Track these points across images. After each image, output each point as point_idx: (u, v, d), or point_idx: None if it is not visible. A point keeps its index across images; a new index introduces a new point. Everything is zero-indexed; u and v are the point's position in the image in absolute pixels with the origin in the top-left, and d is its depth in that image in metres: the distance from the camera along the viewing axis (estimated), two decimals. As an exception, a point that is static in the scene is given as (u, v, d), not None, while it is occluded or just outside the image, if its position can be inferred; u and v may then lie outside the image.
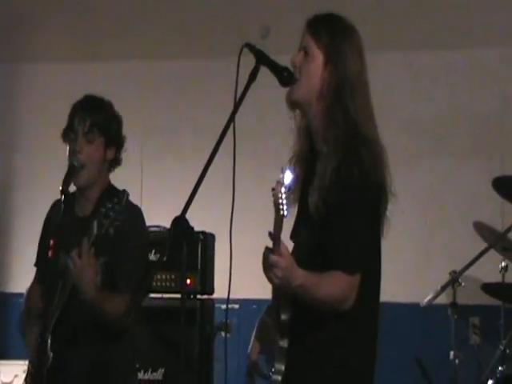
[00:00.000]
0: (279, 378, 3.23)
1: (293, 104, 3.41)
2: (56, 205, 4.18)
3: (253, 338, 3.53)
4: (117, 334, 3.99)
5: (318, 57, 3.36)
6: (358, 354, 3.30)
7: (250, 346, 3.52)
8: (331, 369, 3.25)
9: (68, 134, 4.08)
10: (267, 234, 3.05)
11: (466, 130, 6.72)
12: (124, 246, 3.90)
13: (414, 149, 6.58)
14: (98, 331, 3.94)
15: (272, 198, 3.03)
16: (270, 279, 3.09)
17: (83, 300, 3.80)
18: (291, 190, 3.07)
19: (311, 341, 3.26)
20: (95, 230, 3.70)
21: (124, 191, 3.73)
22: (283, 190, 2.97)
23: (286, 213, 2.98)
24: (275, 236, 3.04)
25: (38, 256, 4.30)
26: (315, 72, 3.36)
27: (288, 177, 3.01)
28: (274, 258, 3.03)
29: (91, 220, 3.77)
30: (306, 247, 3.23)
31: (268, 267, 3.05)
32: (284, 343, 3.23)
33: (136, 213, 4.04)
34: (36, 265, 4.30)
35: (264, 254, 3.10)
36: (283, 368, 3.23)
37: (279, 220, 3.03)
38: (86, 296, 3.78)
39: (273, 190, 3.02)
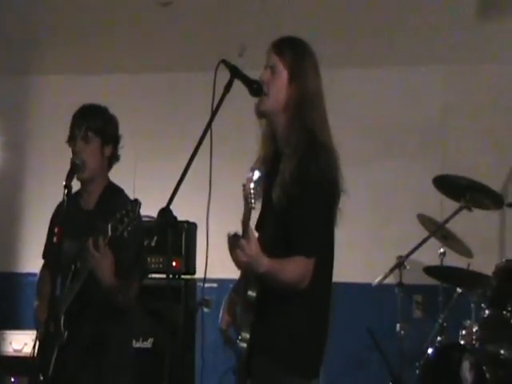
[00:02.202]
0: (245, 345, 3.25)
1: (261, 114, 3.44)
2: (61, 204, 4.15)
3: (222, 311, 3.54)
4: (121, 312, 4.04)
5: (284, 74, 3.38)
6: (313, 326, 3.33)
7: (219, 319, 3.53)
8: (289, 338, 3.28)
9: (70, 140, 4.13)
10: (238, 223, 3.09)
11: (411, 136, 6.73)
12: (131, 244, 3.92)
13: (368, 151, 6.60)
14: (107, 310, 3.96)
15: (243, 193, 3.09)
16: (236, 261, 3.14)
17: (101, 286, 3.84)
18: (258, 186, 3.10)
19: (273, 314, 3.28)
20: (110, 232, 3.71)
21: (137, 201, 3.72)
22: (252, 185, 3.05)
23: (253, 205, 3.07)
24: (244, 224, 3.10)
25: (45, 248, 4.31)
26: (281, 87, 3.39)
27: (256, 175, 3.06)
28: (243, 242, 3.07)
29: (100, 219, 3.81)
30: (270, 235, 3.25)
31: (235, 250, 3.09)
32: (250, 316, 3.25)
33: (141, 219, 4.00)
34: (44, 256, 4.31)
35: (229, 239, 3.14)
36: (248, 336, 3.24)
37: (248, 211, 3.10)
38: (104, 283, 3.82)
39: (243, 186, 3.06)
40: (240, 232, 3.14)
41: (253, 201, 3.06)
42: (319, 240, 3.27)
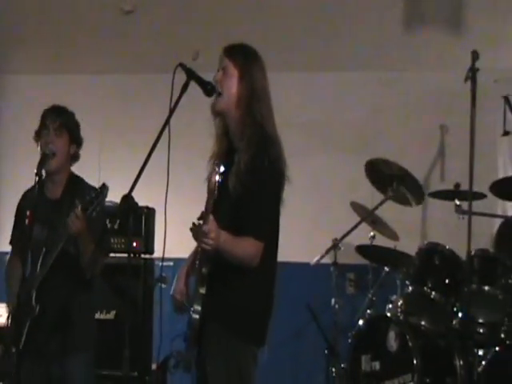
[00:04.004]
0: (197, 316, 3.24)
1: (217, 113, 3.43)
2: (26, 195, 4.19)
3: (175, 282, 3.51)
4: (87, 287, 4.03)
5: (234, 74, 3.39)
6: (260, 299, 3.34)
7: (172, 288, 3.50)
8: (239, 309, 3.29)
9: (40, 132, 4.09)
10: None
11: (346, 133, 6.75)
12: (99, 223, 3.95)
13: (307, 145, 6.60)
14: (74, 282, 3.94)
15: (207, 186, 3.15)
16: (203, 245, 3.14)
17: (80, 247, 3.87)
18: (222, 179, 3.16)
19: (224, 288, 3.28)
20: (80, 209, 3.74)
21: (104, 185, 3.75)
22: (217, 178, 3.08)
23: (215, 197, 3.15)
24: (207, 212, 3.11)
25: (12, 235, 4.26)
26: (232, 85, 3.39)
27: (222, 169, 3.15)
28: (207, 227, 3.09)
29: (72, 203, 3.81)
30: (226, 220, 3.24)
31: (200, 236, 3.10)
32: (202, 290, 3.24)
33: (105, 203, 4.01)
34: (11, 242, 4.25)
35: (193, 228, 3.13)
36: (200, 308, 3.23)
37: (211, 201, 3.14)
38: (85, 247, 3.86)
39: (209, 179, 3.10)
40: (198, 220, 3.15)
41: (215, 193, 3.10)
42: (268, 225, 3.31)
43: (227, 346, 3.26)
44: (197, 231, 3.13)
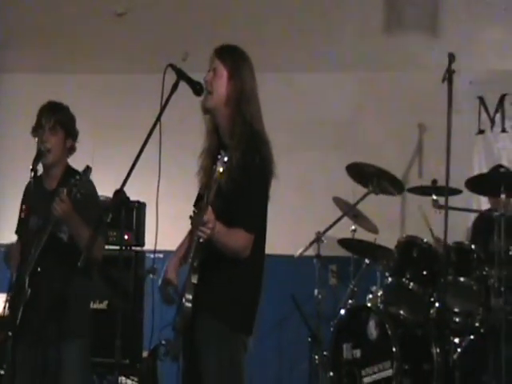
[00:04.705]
0: (189, 305, 3.22)
1: (206, 110, 3.42)
2: (27, 187, 4.18)
3: (164, 273, 3.47)
4: (80, 270, 3.96)
5: (224, 74, 3.38)
6: (249, 290, 3.35)
7: (160, 279, 3.47)
8: (229, 299, 3.29)
9: (37, 129, 4.10)
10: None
11: (328, 131, 6.74)
12: (89, 204, 3.89)
13: (291, 144, 6.59)
14: (66, 268, 3.91)
15: (210, 176, 3.15)
16: (200, 233, 3.12)
17: (70, 231, 3.85)
18: (226, 169, 3.12)
19: (215, 279, 3.28)
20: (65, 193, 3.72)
21: (88, 167, 3.75)
22: (221, 169, 3.07)
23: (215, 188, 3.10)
24: (207, 203, 3.11)
25: (18, 225, 4.25)
26: (222, 85, 3.39)
27: (226, 158, 3.09)
28: (206, 217, 3.09)
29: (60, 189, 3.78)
30: (217, 213, 3.22)
31: (199, 225, 3.10)
32: (194, 280, 3.23)
33: (93, 185, 4.05)
34: (16, 232, 4.25)
35: (193, 217, 3.17)
36: (191, 297, 3.22)
37: (212, 192, 3.11)
38: (73, 230, 3.84)
39: (213, 168, 3.09)
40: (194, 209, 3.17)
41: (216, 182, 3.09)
42: (258, 219, 3.32)
43: (218, 335, 3.25)
44: (197, 220, 3.13)
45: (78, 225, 3.85)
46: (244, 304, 3.32)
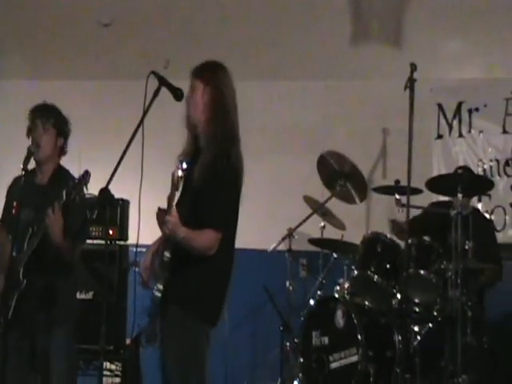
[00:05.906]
0: (159, 294, 3.23)
1: (190, 127, 3.42)
2: (16, 180, 4.16)
3: (143, 259, 3.46)
4: (69, 268, 4.02)
5: (200, 86, 3.39)
6: (215, 286, 3.34)
7: (140, 264, 3.46)
8: (196, 292, 3.29)
9: (30, 127, 4.09)
10: (163, 201, 3.11)
11: (300, 135, 6.76)
12: (79, 211, 3.90)
13: (265, 147, 6.60)
14: (57, 266, 3.92)
15: (171, 180, 3.17)
16: (163, 231, 3.18)
17: (53, 243, 3.82)
18: (184, 174, 3.15)
19: (184, 272, 3.28)
20: (64, 197, 3.69)
21: (87, 171, 3.73)
22: (180, 173, 3.09)
23: (179, 188, 3.13)
24: (170, 203, 3.12)
25: (2, 216, 4.25)
26: (199, 96, 3.39)
27: (184, 165, 3.14)
28: (167, 217, 3.13)
29: (57, 189, 3.79)
30: (187, 211, 3.24)
31: (162, 223, 3.14)
32: (165, 271, 3.24)
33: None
34: (1, 221, 4.24)
35: (157, 214, 3.19)
36: (161, 287, 3.23)
37: (174, 193, 3.15)
38: (56, 239, 3.81)
39: (172, 173, 3.09)
40: (165, 207, 3.17)
41: (179, 185, 3.10)
42: (226, 218, 3.31)
43: (182, 324, 3.25)
44: (160, 218, 3.16)
45: (59, 236, 3.83)
46: (209, 296, 3.31)
